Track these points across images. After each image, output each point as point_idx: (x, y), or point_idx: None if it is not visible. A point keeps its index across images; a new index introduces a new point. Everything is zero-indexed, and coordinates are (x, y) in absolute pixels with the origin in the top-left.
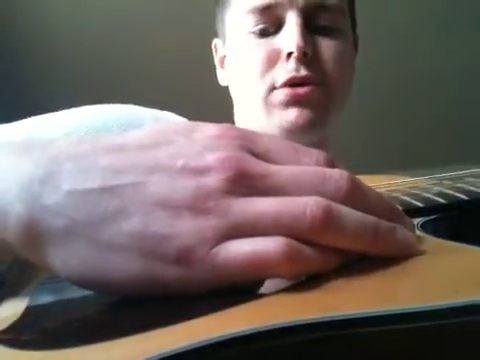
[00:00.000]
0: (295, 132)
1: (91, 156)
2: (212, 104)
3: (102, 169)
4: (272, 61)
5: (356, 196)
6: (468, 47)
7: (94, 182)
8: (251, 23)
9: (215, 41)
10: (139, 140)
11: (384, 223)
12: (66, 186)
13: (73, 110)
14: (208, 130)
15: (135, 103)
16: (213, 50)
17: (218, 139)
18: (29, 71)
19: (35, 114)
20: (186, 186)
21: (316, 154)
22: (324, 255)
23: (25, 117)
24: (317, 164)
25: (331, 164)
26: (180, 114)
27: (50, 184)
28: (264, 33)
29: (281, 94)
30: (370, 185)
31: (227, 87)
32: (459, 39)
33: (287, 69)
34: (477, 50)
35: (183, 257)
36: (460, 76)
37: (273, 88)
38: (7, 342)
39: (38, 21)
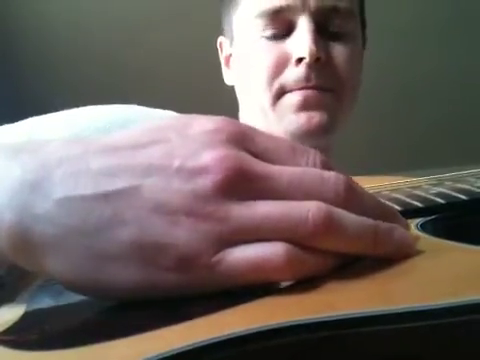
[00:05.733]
0: (304, 137)
1: (82, 160)
2: (213, 104)
3: (94, 174)
4: (281, 65)
5: (353, 198)
6: (471, 48)
7: (86, 188)
8: (261, 27)
9: (220, 39)
10: (132, 140)
11: (382, 224)
12: (57, 194)
13: (75, 111)
14: (204, 124)
15: (136, 103)
16: (218, 48)
17: (214, 134)
18: (28, 71)
19: (34, 114)
20: (183, 189)
21: (313, 154)
22: (324, 259)
23: (24, 118)
24: (314, 165)
25: (326, 165)
26: (181, 113)
27: (41, 192)
28: (274, 37)
29: (293, 96)
30: (371, 186)
31: (230, 87)
32: (462, 40)
33: (297, 76)
34: None
35: (183, 265)
36: (463, 77)
37: (283, 92)
38: (7, 343)
39: (37, 21)
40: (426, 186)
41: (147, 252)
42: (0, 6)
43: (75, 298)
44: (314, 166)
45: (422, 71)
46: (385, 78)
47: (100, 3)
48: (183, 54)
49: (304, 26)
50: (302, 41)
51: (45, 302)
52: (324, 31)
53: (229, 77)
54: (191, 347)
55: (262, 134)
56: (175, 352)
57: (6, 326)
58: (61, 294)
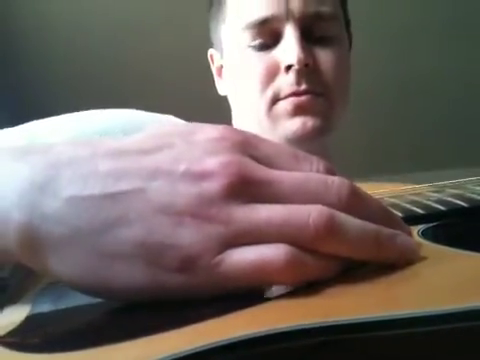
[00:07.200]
0: (299, 141)
1: (91, 161)
2: (212, 107)
3: (102, 175)
4: (272, 74)
5: (356, 203)
6: (471, 48)
7: (94, 189)
8: (248, 38)
9: (211, 51)
10: (139, 144)
11: (385, 230)
12: (66, 193)
13: (75, 115)
14: (208, 132)
15: (134, 106)
16: (209, 60)
17: (219, 142)
18: (28, 71)
19: (34, 117)
20: (188, 192)
21: (316, 161)
22: (326, 263)
23: (24, 120)
24: (317, 171)
25: (330, 171)
26: (180, 118)
27: (49, 191)
28: (262, 47)
29: (286, 103)
30: (372, 192)
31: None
32: (462, 40)
33: (288, 82)
34: None
35: (186, 266)
36: (463, 77)
37: (276, 100)
38: (9, 345)
39: (37, 21)
40: (427, 193)
41: (152, 252)
42: (0, 6)
43: (78, 300)
44: (318, 172)
45: (422, 71)
46: (385, 78)
47: (100, 3)
48: (183, 56)
49: (290, 34)
50: (290, 49)
51: (48, 305)
52: (310, 37)
53: (222, 87)
54: (196, 350)
55: (265, 141)
56: (181, 355)
57: (9, 328)
58: (64, 297)
